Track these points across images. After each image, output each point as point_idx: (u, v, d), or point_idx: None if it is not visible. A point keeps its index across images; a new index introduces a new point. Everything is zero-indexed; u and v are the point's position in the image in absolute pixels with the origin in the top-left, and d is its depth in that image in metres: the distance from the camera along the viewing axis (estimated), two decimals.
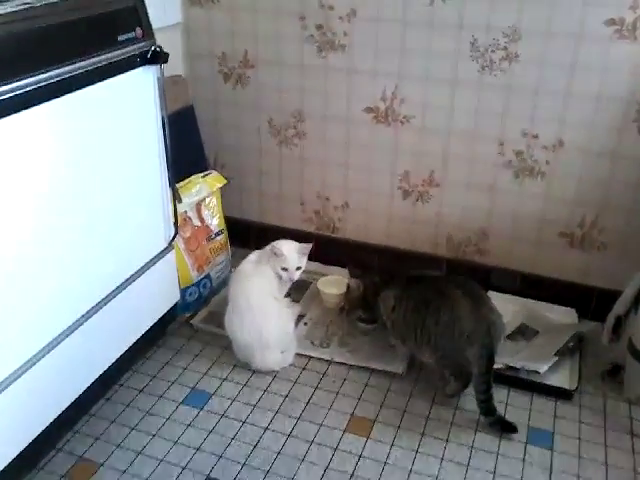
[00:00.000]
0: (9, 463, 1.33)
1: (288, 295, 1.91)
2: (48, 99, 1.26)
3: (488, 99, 1.88)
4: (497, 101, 1.88)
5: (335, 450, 1.54)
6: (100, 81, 1.40)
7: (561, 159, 1.89)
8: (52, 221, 1.34)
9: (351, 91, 2.02)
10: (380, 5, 1.88)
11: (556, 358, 1.75)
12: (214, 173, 2.08)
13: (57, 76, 1.27)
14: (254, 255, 1.87)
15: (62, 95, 1.30)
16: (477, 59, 1.85)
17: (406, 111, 1.98)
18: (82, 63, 1.33)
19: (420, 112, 1.97)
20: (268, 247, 1.84)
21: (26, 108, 1.21)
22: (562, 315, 1.95)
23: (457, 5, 1.80)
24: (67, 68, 1.29)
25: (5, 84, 1.16)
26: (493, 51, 1.82)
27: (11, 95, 1.17)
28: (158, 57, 1.54)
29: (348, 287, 1.95)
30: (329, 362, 1.82)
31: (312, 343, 1.89)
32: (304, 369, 1.80)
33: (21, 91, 1.19)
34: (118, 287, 1.58)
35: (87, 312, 1.49)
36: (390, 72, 1.95)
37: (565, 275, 2.01)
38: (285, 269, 1.79)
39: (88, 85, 1.36)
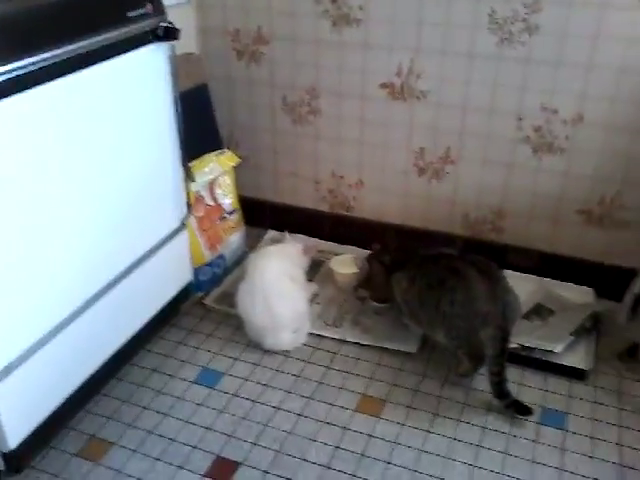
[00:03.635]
0: (22, 441, 1.35)
1: None
2: (56, 77, 1.25)
3: (506, 73, 1.83)
4: (516, 75, 1.83)
5: (346, 430, 1.54)
6: (110, 59, 1.38)
7: (581, 134, 1.83)
8: (63, 200, 1.34)
9: (366, 66, 1.98)
10: None
11: (572, 338, 1.72)
12: (227, 152, 2.07)
13: (65, 54, 1.25)
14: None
15: (71, 73, 1.28)
16: (495, 31, 1.80)
17: (422, 86, 1.94)
18: (91, 40, 1.31)
19: (436, 87, 1.93)
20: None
21: (34, 86, 1.20)
22: (579, 294, 1.92)
23: None
24: (75, 45, 1.27)
25: (13, 61, 1.14)
26: (512, 23, 1.77)
27: (19, 73, 1.16)
28: (169, 33, 1.51)
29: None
30: (341, 341, 1.81)
31: (325, 323, 1.88)
32: (316, 349, 1.79)
33: (29, 69, 1.18)
34: (130, 267, 1.58)
35: (99, 291, 1.49)
36: (406, 46, 1.90)
37: (583, 253, 1.96)
38: None
39: (97, 63, 1.35)
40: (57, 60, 1.24)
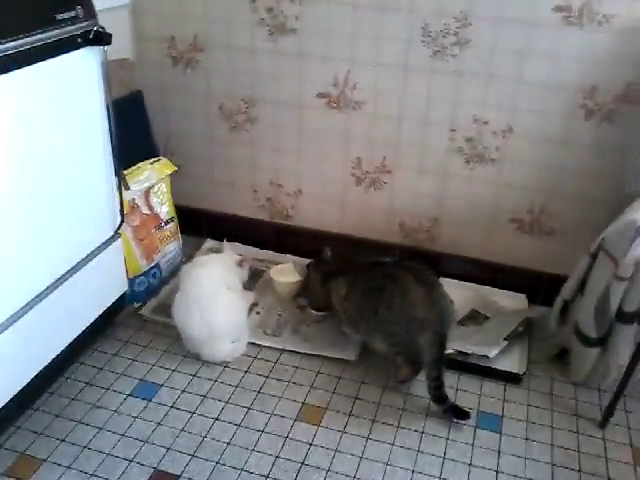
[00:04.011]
0: None
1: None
2: None
3: (440, 85, 1.88)
4: (448, 87, 1.88)
5: (286, 439, 1.53)
6: (37, 62, 1.33)
7: (511, 145, 1.90)
8: None
9: (303, 76, 1.99)
10: None
11: (506, 343, 1.77)
12: (163, 160, 2.04)
13: None
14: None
15: None
16: (429, 44, 1.84)
17: (358, 97, 1.97)
18: (15, 43, 1.26)
19: (372, 98, 1.96)
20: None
21: None
22: (512, 300, 1.98)
23: None
24: None
25: None
26: (445, 36, 1.82)
27: None
28: (101, 38, 1.48)
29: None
30: (281, 351, 1.81)
31: (264, 332, 1.87)
32: (256, 358, 1.78)
33: None
34: (62, 277, 1.53)
35: (30, 301, 1.44)
36: (342, 57, 1.93)
37: (515, 260, 2.03)
38: None
39: (24, 66, 1.30)
40: None
